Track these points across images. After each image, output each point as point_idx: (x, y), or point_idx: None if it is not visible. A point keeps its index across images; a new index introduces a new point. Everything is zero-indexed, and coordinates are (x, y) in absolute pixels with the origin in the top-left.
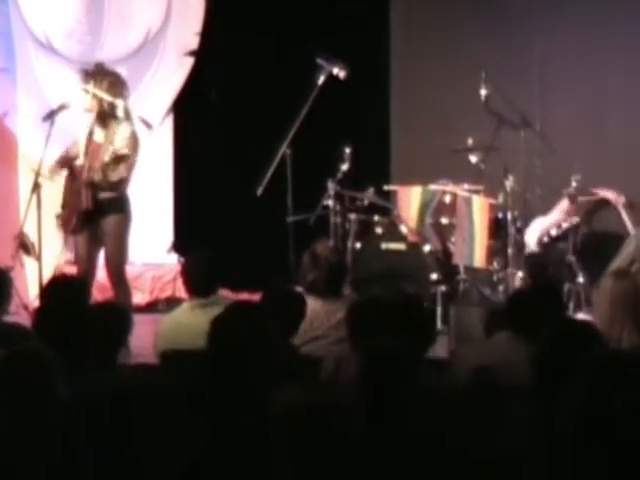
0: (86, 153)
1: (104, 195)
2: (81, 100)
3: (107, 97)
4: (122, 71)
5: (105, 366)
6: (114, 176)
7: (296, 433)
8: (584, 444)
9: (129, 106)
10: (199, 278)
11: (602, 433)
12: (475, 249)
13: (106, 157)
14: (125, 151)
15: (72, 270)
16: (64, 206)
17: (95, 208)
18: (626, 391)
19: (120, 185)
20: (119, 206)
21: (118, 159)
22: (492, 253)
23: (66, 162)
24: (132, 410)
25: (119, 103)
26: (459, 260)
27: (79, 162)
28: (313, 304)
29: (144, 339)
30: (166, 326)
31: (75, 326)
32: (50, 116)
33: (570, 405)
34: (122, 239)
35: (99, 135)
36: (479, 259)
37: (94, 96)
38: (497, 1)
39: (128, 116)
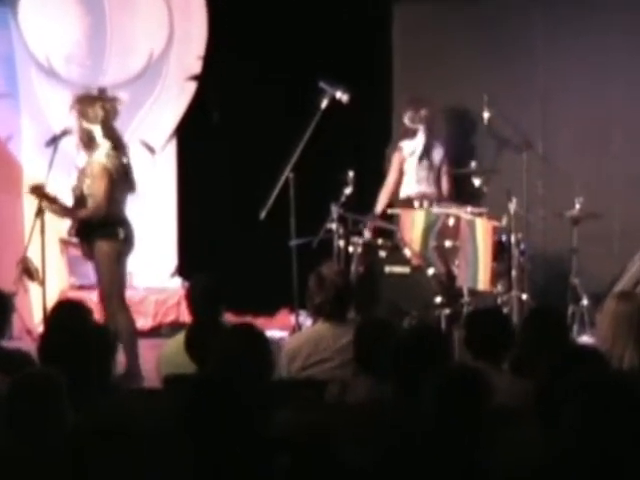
0: (76, 179)
1: (94, 222)
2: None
3: (84, 124)
4: (124, 95)
5: (107, 391)
6: (91, 203)
7: (298, 456)
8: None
9: (111, 131)
10: (203, 301)
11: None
12: (479, 272)
13: (84, 188)
14: (95, 179)
15: (76, 295)
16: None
17: (82, 228)
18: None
19: (95, 212)
20: (107, 231)
21: (93, 186)
22: (496, 276)
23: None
24: (133, 435)
25: (94, 128)
26: (463, 283)
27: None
28: (319, 327)
29: (148, 363)
30: (170, 350)
31: (80, 351)
32: (53, 141)
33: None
34: (114, 266)
35: (83, 161)
36: (483, 282)
37: (76, 122)
38: (499, 27)
39: (113, 139)
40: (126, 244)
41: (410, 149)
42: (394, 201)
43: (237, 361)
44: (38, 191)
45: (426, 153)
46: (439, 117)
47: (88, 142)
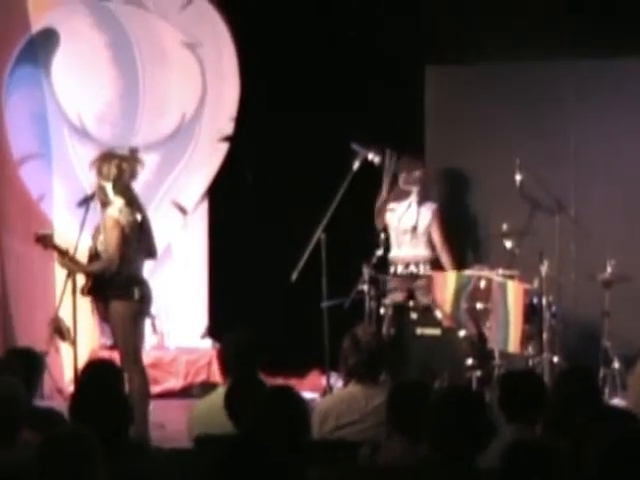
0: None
1: (110, 280)
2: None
3: (99, 181)
4: (156, 157)
5: (136, 451)
6: (102, 259)
7: None
8: None
9: (124, 188)
10: (236, 359)
11: None
12: (510, 334)
13: (98, 244)
14: (104, 244)
15: (107, 354)
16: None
17: (96, 286)
18: None
19: (106, 267)
20: (123, 290)
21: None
22: (527, 338)
23: None
24: None
25: (106, 185)
26: (494, 345)
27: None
28: (351, 388)
29: (179, 424)
30: (201, 410)
31: (112, 411)
32: (85, 202)
33: None
34: (129, 325)
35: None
36: (514, 344)
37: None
38: (531, 90)
39: (119, 197)
40: (142, 304)
41: (399, 213)
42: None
43: (275, 424)
44: (45, 241)
45: (414, 215)
46: (434, 179)
47: (103, 199)
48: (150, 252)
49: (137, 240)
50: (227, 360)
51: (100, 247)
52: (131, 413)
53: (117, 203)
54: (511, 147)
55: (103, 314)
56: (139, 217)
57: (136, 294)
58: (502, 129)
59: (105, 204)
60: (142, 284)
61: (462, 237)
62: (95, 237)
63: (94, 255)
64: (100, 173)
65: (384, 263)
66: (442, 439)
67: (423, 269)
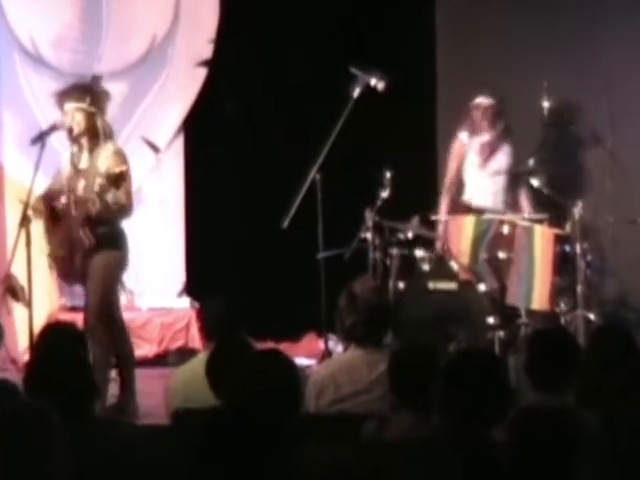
0: (69, 184)
1: (100, 230)
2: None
3: (100, 119)
4: (123, 86)
5: (104, 429)
6: (113, 205)
7: None
8: None
9: (107, 123)
10: (216, 323)
11: None
12: (534, 288)
13: (96, 187)
14: (117, 170)
15: (68, 317)
16: (53, 254)
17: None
18: None
19: (119, 215)
20: (113, 240)
21: (113, 181)
22: (558, 292)
23: (53, 197)
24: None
25: (100, 122)
26: (513, 300)
27: (63, 196)
28: (351, 354)
29: (153, 397)
30: (180, 380)
31: (73, 383)
32: (40, 138)
33: None
34: (112, 276)
35: (85, 161)
36: (539, 300)
37: (80, 113)
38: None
39: (110, 134)
40: (127, 254)
41: (473, 148)
42: (454, 205)
43: (261, 394)
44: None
45: (490, 157)
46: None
47: (94, 135)
48: None
49: None
50: (208, 325)
51: (97, 189)
52: (96, 385)
53: (110, 143)
54: (537, 70)
55: (72, 269)
56: None
57: (125, 245)
58: (526, 49)
59: (90, 142)
60: (124, 234)
61: None
62: (86, 180)
63: (71, 202)
64: (96, 106)
65: (390, 207)
66: (452, 411)
67: None
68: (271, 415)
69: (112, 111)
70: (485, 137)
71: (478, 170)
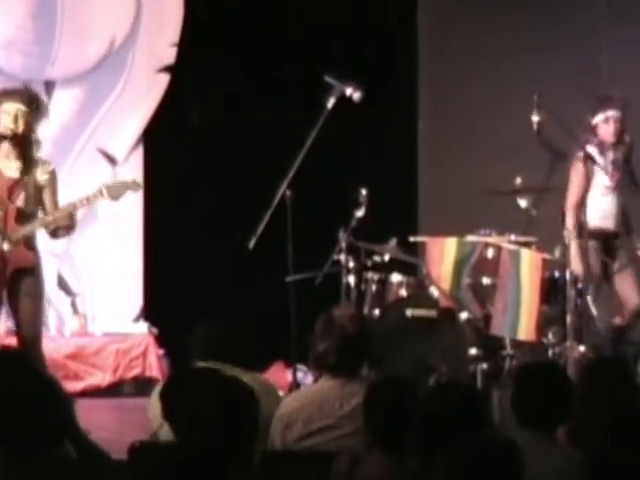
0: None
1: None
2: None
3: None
4: (78, 92)
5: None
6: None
7: None
8: None
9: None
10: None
11: None
12: (520, 317)
13: (46, 199)
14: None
15: (14, 342)
16: None
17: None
18: None
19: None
20: (38, 263)
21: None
22: (546, 322)
23: None
24: None
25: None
26: (498, 330)
27: None
28: (322, 385)
29: (108, 430)
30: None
31: (17, 412)
32: None
33: None
34: (42, 303)
35: (13, 169)
36: (525, 330)
37: (22, 118)
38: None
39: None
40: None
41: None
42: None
43: (205, 424)
44: None
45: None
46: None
47: (32, 151)
48: None
49: None
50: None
51: (48, 201)
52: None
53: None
54: (526, 81)
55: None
56: None
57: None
58: (515, 58)
59: (30, 157)
60: None
61: (464, 194)
62: (26, 192)
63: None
64: (38, 119)
65: (365, 227)
66: (430, 454)
67: None
68: (222, 445)
69: (66, 119)
70: (616, 154)
71: (606, 191)
